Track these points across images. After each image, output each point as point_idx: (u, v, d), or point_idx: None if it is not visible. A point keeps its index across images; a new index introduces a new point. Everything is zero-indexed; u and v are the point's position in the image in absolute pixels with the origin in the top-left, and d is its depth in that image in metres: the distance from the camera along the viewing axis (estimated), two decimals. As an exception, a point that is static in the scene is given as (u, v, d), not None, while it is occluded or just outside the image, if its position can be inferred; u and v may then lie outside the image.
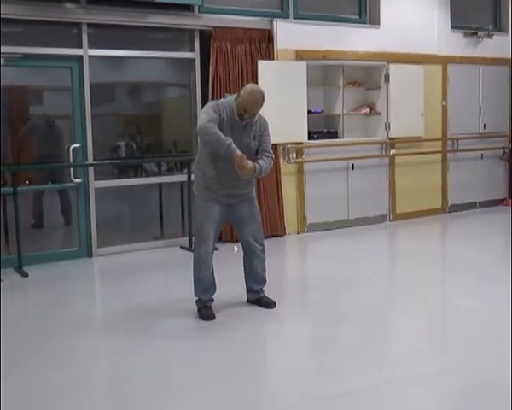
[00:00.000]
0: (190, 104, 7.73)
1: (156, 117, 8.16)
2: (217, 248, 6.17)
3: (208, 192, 4.71)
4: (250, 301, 5.12)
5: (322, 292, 5.56)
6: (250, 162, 4.39)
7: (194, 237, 4.94)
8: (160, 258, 7.25)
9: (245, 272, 5.03)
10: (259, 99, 4.44)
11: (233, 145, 4.31)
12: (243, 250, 4.98)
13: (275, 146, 7.59)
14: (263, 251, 4.94)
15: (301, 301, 5.45)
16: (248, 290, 5.12)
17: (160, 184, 8.03)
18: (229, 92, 6.83)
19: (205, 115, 4.36)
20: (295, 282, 6.26)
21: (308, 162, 8.38)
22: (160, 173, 8.15)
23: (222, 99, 4.76)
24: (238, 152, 4.30)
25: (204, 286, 4.83)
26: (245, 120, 4.51)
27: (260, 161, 4.60)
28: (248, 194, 4.82)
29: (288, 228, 8.37)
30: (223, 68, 7.51)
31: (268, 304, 5.01)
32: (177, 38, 7.73)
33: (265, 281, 5.06)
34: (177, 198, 8.14)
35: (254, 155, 4.65)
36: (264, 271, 5.01)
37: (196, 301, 4.94)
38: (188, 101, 7.82)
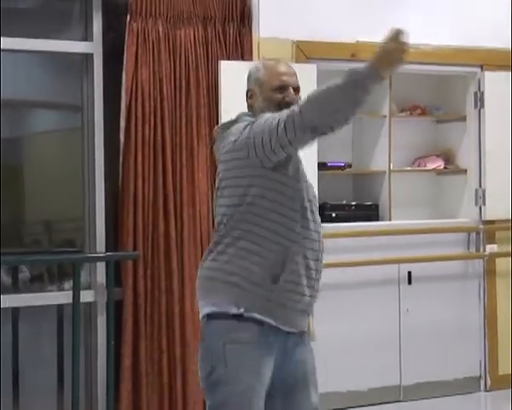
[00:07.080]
0: (82, 145, 7.63)
1: (11, 171, 8.10)
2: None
3: (269, 315, 4.37)
4: None
5: None
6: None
7: None
8: None
9: None
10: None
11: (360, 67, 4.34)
12: None
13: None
14: None
15: None
16: None
17: (16, 310, 7.62)
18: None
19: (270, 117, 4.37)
20: None
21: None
22: (15, 288, 7.89)
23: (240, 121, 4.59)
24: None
25: None
26: None
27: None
28: None
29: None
30: (148, 74, 7.37)
31: None
32: (56, 12, 8.01)
33: None
34: (50, 339, 7.75)
35: None
36: None
37: None
38: (78, 138, 7.80)
